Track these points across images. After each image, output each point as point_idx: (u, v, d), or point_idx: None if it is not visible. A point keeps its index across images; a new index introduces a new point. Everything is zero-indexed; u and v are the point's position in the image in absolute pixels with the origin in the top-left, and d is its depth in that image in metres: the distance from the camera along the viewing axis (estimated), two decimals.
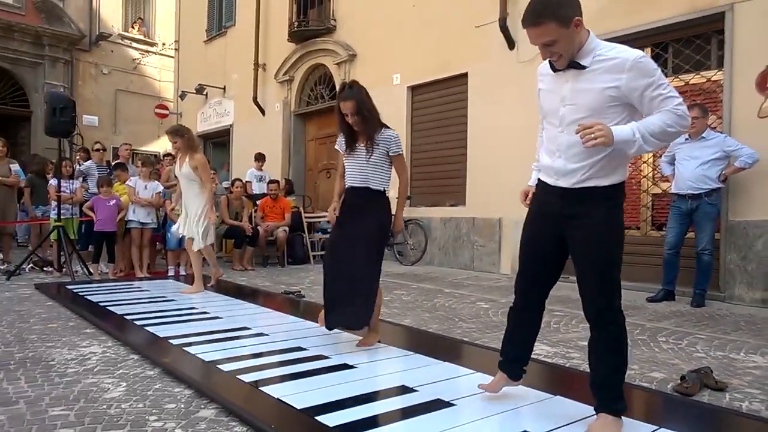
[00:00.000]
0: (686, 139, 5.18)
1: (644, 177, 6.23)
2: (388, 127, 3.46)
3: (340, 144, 3.50)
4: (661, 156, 5.63)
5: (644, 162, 6.23)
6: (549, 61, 2.15)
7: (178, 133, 5.53)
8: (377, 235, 3.39)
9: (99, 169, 8.08)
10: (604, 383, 2.13)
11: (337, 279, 3.38)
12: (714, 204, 5.07)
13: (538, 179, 2.31)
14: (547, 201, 2.23)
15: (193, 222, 5.53)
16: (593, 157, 2.06)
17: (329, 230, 9.19)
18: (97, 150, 8.42)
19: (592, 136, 1.90)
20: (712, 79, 5.70)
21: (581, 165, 2.08)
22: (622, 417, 2.13)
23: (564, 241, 2.20)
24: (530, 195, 2.41)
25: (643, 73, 1.96)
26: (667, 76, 5.89)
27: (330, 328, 3.46)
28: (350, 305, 3.33)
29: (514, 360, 2.46)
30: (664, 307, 4.99)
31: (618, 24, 6.10)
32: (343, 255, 3.38)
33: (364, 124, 3.33)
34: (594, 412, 2.19)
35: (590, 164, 2.07)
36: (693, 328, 4.21)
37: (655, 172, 6.07)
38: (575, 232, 2.13)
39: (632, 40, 6.14)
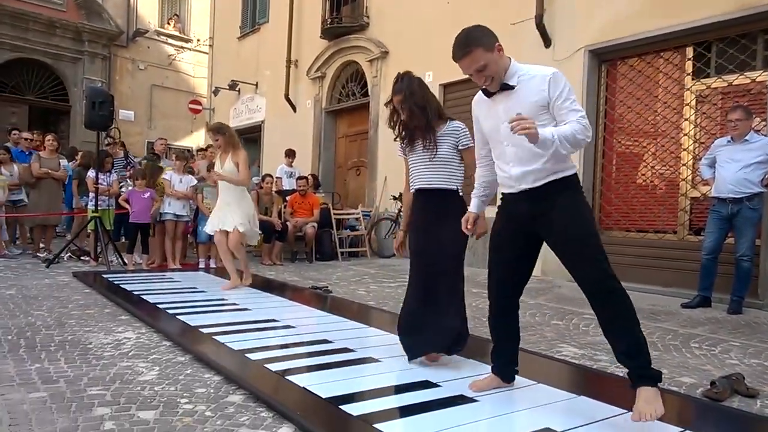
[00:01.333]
0: (728, 141, 5.04)
1: (683, 180, 6.10)
2: (453, 119, 3.09)
3: (400, 148, 3.15)
4: (701, 159, 5.49)
5: (683, 165, 6.09)
6: (482, 90, 2.42)
7: (220, 130, 5.52)
8: (454, 246, 2.96)
9: (117, 161, 8.28)
10: (630, 352, 2.18)
11: (419, 305, 3.00)
12: (756, 209, 4.92)
13: (503, 193, 2.49)
14: (513, 209, 2.42)
15: (245, 217, 5.45)
16: (541, 159, 2.28)
17: (357, 228, 9.32)
18: (109, 144, 8.66)
19: (526, 125, 2.07)
20: (758, 80, 5.53)
21: (534, 167, 2.30)
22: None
23: (536, 240, 2.41)
24: (471, 220, 2.61)
25: (557, 85, 2.26)
26: (709, 77, 5.88)
27: (412, 358, 3.01)
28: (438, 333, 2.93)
29: (506, 363, 2.60)
30: (699, 314, 4.87)
31: (658, 23, 5.97)
32: (423, 276, 3.00)
33: (412, 119, 3.00)
34: (620, 411, 2.17)
35: (541, 164, 2.29)
36: (728, 335, 4.11)
37: (695, 174, 5.93)
38: (548, 224, 2.30)
39: (672, 39, 6.03)
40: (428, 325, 2.93)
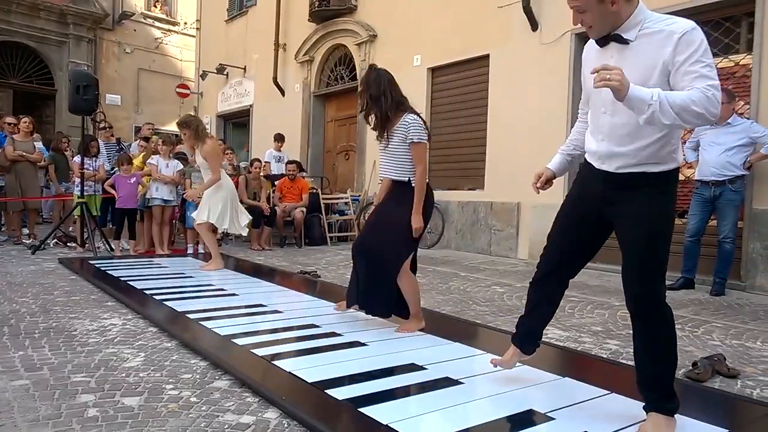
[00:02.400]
0: (711, 124, 5.07)
1: None
2: (413, 111, 3.26)
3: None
4: (685, 142, 5.53)
5: None
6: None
7: (186, 124, 5.48)
8: (394, 234, 3.26)
9: (107, 147, 8.20)
10: (652, 381, 2.01)
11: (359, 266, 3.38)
12: (738, 191, 4.97)
13: (585, 160, 2.19)
14: (590, 183, 2.12)
15: (221, 205, 5.64)
16: (641, 141, 1.93)
17: (347, 212, 9.32)
18: (103, 128, 8.55)
19: (607, 76, 1.72)
20: (741, 63, 5.56)
21: (628, 149, 1.95)
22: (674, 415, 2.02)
23: (603, 225, 2.12)
24: (543, 177, 2.33)
25: (687, 44, 1.80)
26: None
27: (349, 306, 3.54)
28: (371, 294, 3.35)
29: (529, 333, 2.41)
30: (683, 295, 4.94)
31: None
32: (368, 244, 3.36)
33: (372, 109, 3.21)
34: (603, 392, 2.19)
35: (637, 149, 1.94)
36: (710, 316, 4.16)
37: None
38: (621, 219, 2.03)
39: None
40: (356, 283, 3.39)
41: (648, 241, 1.96)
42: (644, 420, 2.04)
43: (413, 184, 3.24)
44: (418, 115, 3.28)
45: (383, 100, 3.18)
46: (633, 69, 1.85)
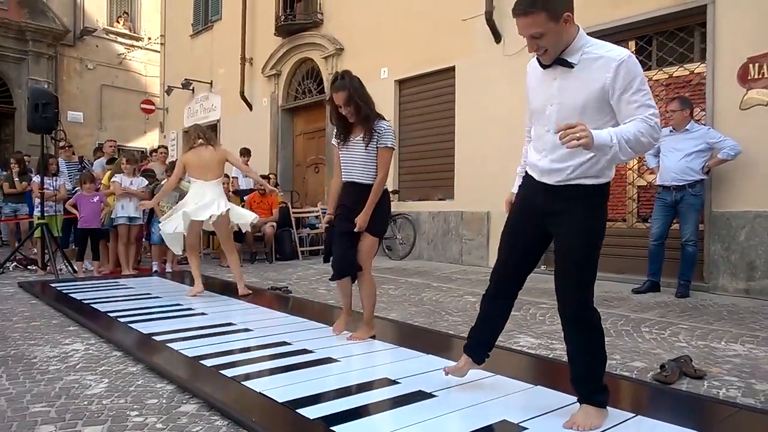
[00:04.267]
0: (670, 131, 5.21)
1: (630, 169, 6.27)
2: (384, 119, 3.36)
3: (335, 137, 3.42)
4: None
5: None
6: (537, 58, 2.13)
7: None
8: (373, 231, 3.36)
9: (69, 165, 8.02)
10: (584, 378, 2.15)
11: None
12: (698, 195, 5.11)
13: (525, 172, 2.30)
14: (531, 195, 2.24)
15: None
16: (579, 158, 2.04)
17: (318, 226, 9.25)
18: (63, 147, 8.37)
19: (576, 136, 1.81)
20: (695, 71, 5.74)
21: (567, 165, 2.07)
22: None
23: (545, 235, 2.24)
24: (507, 204, 2.47)
25: (626, 73, 1.93)
26: (651, 69, 6.05)
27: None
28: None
29: (482, 344, 2.50)
30: (649, 298, 5.03)
31: (602, 17, 6.12)
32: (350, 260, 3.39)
33: (358, 114, 3.23)
34: (576, 399, 2.22)
35: (576, 165, 2.06)
36: (676, 318, 4.24)
37: (641, 164, 6.11)
38: (558, 228, 2.15)
39: (617, 33, 6.18)
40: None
41: (583, 250, 2.08)
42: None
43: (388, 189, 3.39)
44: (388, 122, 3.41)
45: (369, 105, 3.27)
46: (575, 91, 2.01)
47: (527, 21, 1.98)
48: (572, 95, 2.00)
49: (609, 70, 1.94)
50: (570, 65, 2.01)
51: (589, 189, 2.08)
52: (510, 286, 2.40)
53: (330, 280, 3.62)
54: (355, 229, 3.30)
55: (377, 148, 3.28)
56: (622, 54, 1.96)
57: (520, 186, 2.36)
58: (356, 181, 3.32)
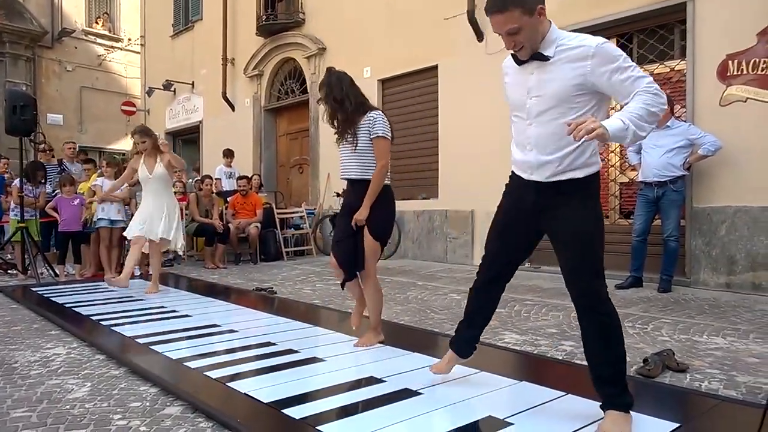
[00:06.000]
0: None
1: (612, 166, 6.33)
2: (374, 110, 3.25)
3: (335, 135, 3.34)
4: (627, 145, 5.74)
5: (612, 152, 6.33)
6: (512, 55, 2.13)
7: (147, 132, 5.40)
8: (376, 229, 3.23)
9: (49, 168, 7.91)
10: (611, 377, 2.05)
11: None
12: (679, 191, 5.17)
13: (512, 172, 2.28)
14: (521, 194, 2.21)
15: (173, 224, 5.46)
16: (565, 149, 2.04)
17: (302, 227, 9.22)
18: (43, 151, 8.25)
19: (589, 128, 1.80)
20: (676, 68, 5.81)
21: (554, 157, 2.06)
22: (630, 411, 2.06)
23: (535, 233, 2.24)
24: None
25: (607, 58, 1.95)
26: None
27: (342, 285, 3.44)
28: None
29: (469, 339, 2.49)
30: (632, 294, 5.08)
31: (583, 15, 6.17)
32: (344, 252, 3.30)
33: (337, 112, 3.20)
34: (561, 394, 2.22)
35: (562, 156, 2.05)
36: (659, 312, 4.29)
37: (623, 161, 6.17)
38: (553, 226, 2.12)
39: (597, 31, 6.23)
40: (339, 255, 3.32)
41: (588, 240, 2.06)
42: (602, 418, 2.07)
43: (388, 182, 3.27)
44: (383, 112, 3.30)
45: (347, 102, 3.18)
46: (554, 82, 2.01)
47: (502, 18, 1.98)
48: (551, 87, 2.01)
49: (588, 58, 1.95)
50: (546, 58, 2.02)
51: (580, 181, 2.08)
52: (499, 281, 2.39)
53: (341, 287, 3.47)
54: (353, 223, 3.21)
55: (371, 140, 3.18)
56: (598, 41, 1.98)
57: (507, 185, 2.32)
58: (353, 177, 3.24)
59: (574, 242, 2.06)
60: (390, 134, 3.25)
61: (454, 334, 2.56)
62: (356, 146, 3.17)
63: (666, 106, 1.95)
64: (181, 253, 6.06)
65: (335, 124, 3.26)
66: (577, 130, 1.81)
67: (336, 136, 3.28)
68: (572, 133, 1.83)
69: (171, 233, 5.42)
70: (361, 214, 3.17)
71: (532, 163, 2.12)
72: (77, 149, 9.12)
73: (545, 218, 2.14)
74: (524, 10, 1.95)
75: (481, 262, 2.43)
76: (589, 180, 2.10)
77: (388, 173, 3.32)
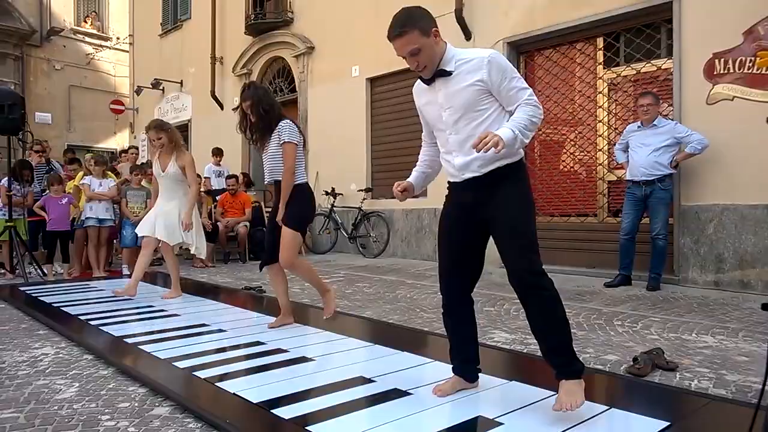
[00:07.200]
0: (639, 126, 5.31)
1: (600, 165, 6.37)
2: (286, 118, 3.69)
3: (252, 143, 3.86)
4: (615, 144, 5.77)
5: (600, 150, 6.37)
6: (419, 79, 2.35)
7: (163, 127, 4.93)
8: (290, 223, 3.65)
9: (38, 168, 7.84)
10: (557, 348, 2.18)
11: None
12: (667, 189, 5.21)
13: (448, 182, 2.42)
14: (460, 196, 2.35)
15: (177, 224, 4.90)
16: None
17: None
18: (37, 151, 8.19)
19: (492, 143, 2.01)
20: (663, 67, 5.85)
21: (477, 155, 2.21)
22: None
23: (481, 228, 2.31)
24: (402, 185, 2.50)
25: (499, 67, 2.18)
26: (619, 66, 6.16)
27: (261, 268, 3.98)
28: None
29: (465, 361, 2.46)
30: (621, 292, 5.11)
31: (569, 15, 6.20)
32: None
33: (260, 120, 3.60)
34: (551, 393, 2.23)
35: (483, 152, 2.18)
36: (648, 311, 4.32)
37: (610, 159, 6.21)
38: (493, 211, 2.25)
39: (584, 30, 6.28)
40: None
41: (521, 219, 2.22)
42: (590, 418, 2.09)
43: (297, 181, 3.65)
44: (292, 120, 3.73)
45: (273, 112, 3.63)
46: (459, 92, 2.22)
47: (403, 41, 2.22)
48: (458, 97, 2.23)
49: (482, 67, 2.18)
50: (448, 73, 2.24)
51: (507, 169, 2.24)
52: (464, 291, 2.42)
53: (259, 269, 4.02)
54: (278, 221, 3.67)
55: (280, 145, 3.62)
56: (490, 53, 2.21)
57: (446, 196, 2.46)
58: (277, 179, 3.68)
59: (510, 221, 2.21)
60: (296, 138, 3.66)
61: (451, 361, 2.50)
62: (270, 152, 3.65)
63: (542, 117, 2.21)
64: (202, 256, 5.93)
65: (250, 132, 3.70)
66: (481, 144, 2.02)
67: (255, 143, 3.77)
68: (477, 147, 2.04)
69: (175, 234, 4.92)
70: (279, 216, 3.65)
71: (461, 164, 2.29)
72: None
73: (484, 210, 2.27)
74: (421, 32, 2.20)
75: (439, 284, 2.47)
76: (517, 166, 2.27)
77: (305, 171, 3.85)
